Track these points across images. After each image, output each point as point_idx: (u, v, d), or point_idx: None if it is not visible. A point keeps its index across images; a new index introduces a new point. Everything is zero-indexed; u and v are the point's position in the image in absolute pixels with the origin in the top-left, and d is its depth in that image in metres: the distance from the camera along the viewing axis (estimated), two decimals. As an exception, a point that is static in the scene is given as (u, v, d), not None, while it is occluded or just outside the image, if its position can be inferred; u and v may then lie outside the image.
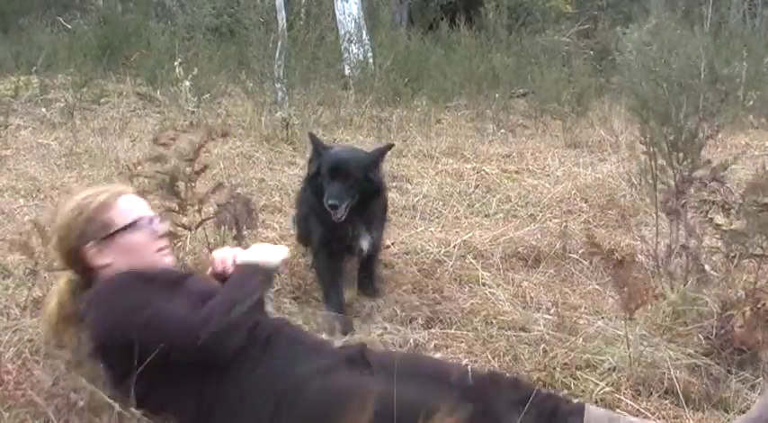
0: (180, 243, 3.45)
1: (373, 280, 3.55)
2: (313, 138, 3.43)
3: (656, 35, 3.45)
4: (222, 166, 5.37)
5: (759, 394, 2.68)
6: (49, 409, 2.23)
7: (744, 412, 2.60)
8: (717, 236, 3.40)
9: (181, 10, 11.29)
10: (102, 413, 2.22)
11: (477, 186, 5.35)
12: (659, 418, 2.58)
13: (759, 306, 2.79)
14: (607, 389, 2.70)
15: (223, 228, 3.30)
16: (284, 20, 7.29)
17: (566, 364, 2.86)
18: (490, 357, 2.91)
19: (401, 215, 4.72)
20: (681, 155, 3.45)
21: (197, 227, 3.35)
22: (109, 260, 2.35)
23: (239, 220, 3.25)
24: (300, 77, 7.12)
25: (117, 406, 2.19)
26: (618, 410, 2.61)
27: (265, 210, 4.61)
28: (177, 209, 3.25)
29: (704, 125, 3.46)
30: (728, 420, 2.59)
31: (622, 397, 2.66)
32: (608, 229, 4.47)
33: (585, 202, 4.97)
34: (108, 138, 6.05)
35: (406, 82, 8.10)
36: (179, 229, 3.30)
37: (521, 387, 2.37)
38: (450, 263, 3.88)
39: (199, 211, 3.32)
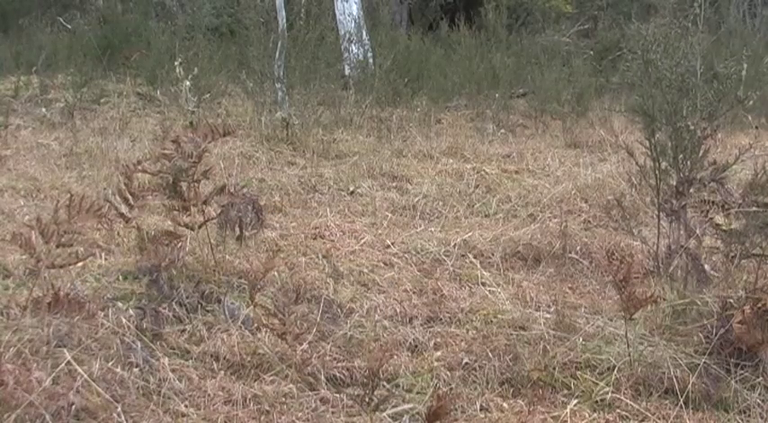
0: (181, 243, 3.45)
1: None
2: None
3: (662, 34, 3.45)
4: (222, 166, 5.37)
5: (759, 394, 2.68)
6: (48, 412, 2.23)
7: (744, 412, 2.60)
8: (717, 236, 3.40)
9: (181, 10, 11.27)
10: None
11: (477, 186, 5.35)
12: (659, 418, 2.58)
13: (759, 306, 2.79)
14: (607, 388, 2.70)
15: (226, 228, 3.29)
16: (284, 20, 7.29)
17: (565, 363, 2.86)
18: (490, 356, 2.91)
19: (401, 215, 4.72)
20: (681, 155, 3.45)
21: (200, 227, 3.35)
22: None
23: (243, 220, 3.25)
24: (300, 77, 7.11)
25: (119, 407, 2.19)
26: (617, 410, 2.61)
27: (265, 210, 4.60)
28: (180, 208, 3.25)
29: (703, 125, 3.45)
30: (728, 420, 2.60)
31: (622, 397, 2.66)
32: (608, 229, 4.47)
33: (585, 202, 4.98)
34: (108, 138, 6.05)
35: (406, 82, 8.10)
36: (181, 228, 3.30)
37: None
38: (450, 262, 3.88)
39: (201, 211, 3.32)
